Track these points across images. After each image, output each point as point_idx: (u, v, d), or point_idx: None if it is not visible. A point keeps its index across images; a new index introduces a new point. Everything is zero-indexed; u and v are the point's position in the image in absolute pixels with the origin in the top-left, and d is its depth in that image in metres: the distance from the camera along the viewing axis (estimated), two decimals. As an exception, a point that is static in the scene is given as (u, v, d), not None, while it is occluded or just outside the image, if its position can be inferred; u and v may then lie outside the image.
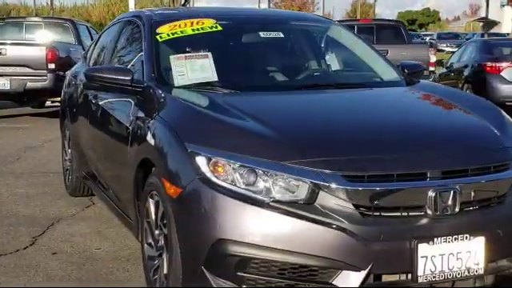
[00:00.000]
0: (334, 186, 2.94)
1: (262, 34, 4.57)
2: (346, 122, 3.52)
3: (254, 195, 2.97)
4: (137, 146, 3.79)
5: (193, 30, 4.44)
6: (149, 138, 3.61)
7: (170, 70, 4.14)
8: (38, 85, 11.78)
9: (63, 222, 5.37)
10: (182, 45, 4.38)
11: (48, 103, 13.14)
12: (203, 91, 3.92)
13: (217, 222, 2.98)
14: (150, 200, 3.60)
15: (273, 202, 2.96)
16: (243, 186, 3.02)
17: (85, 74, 4.26)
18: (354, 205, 2.95)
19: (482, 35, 36.90)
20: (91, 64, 5.79)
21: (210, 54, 4.22)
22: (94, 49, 5.97)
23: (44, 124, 11.95)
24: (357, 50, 4.82)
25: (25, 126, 11.53)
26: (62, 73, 11.69)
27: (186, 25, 4.42)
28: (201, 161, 3.11)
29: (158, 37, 4.39)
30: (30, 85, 11.78)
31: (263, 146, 3.11)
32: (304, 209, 2.93)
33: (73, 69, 6.48)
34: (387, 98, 4.09)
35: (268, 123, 3.31)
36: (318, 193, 2.94)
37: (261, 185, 2.99)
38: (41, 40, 12.89)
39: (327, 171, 2.96)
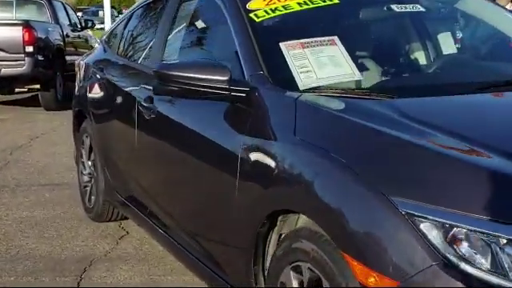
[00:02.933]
0: None
1: (396, 8, 3.23)
2: None
3: None
4: (260, 187, 2.47)
5: (299, 3, 3.10)
6: (287, 176, 2.31)
7: (283, 64, 2.80)
8: (15, 71, 10.24)
9: (99, 266, 4.01)
10: (289, 26, 3.06)
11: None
12: (345, 97, 2.61)
13: None
14: (293, 274, 2.31)
15: None
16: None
17: (157, 72, 2.89)
18: None
19: None
20: (123, 54, 4.40)
21: (336, 39, 2.90)
22: (124, 33, 4.56)
23: (23, 115, 10.44)
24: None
25: (1, 118, 9.99)
26: (40, 57, 10.20)
27: (286, -4, 3.10)
28: (433, 232, 1.82)
29: (252, 15, 3.05)
30: (4, 71, 10.23)
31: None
32: None
33: (90, 57, 5.06)
34: None
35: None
36: None
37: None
38: (13, 19, 11.29)
39: None
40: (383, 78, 2.95)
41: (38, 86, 10.72)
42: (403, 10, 3.23)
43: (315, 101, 2.54)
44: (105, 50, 4.82)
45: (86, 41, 13.32)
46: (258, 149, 2.53)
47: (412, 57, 3.20)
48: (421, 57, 3.19)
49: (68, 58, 11.74)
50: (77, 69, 5.29)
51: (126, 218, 4.71)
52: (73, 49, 12.20)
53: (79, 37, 12.89)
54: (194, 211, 3.17)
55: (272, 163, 2.41)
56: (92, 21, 13.99)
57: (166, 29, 3.73)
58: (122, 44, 4.50)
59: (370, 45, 3.18)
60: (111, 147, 4.26)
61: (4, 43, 10.16)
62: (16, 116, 10.36)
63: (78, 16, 13.62)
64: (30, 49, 10.20)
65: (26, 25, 10.28)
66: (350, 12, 3.26)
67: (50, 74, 10.68)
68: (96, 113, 4.46)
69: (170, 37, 3.69)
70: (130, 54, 4.30)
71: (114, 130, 4.15)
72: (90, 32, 13.83)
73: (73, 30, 12.54)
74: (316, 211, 2.17)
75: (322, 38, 2.90)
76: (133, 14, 4.54)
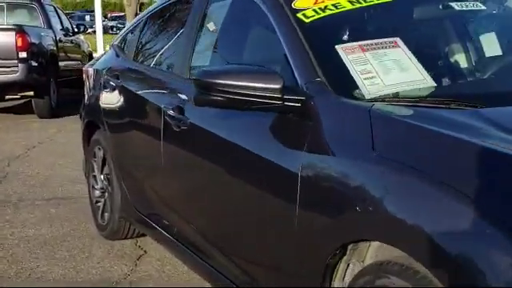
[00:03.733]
0: None
1: (456, 6, 2.92)
2: None
3: None
4: (329, 214, 2.14)
5: (351, 1, 2.79)
6: (367, 200, 1.98)
7: (342, 69, 2.49)
8: (8, 78, 9.85)
9: (120, 291, 3.68)
10: (342, 27, 2.73)
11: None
12: (421, 106, 2.30)
13: None
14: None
15: None
16: None
17: (198, 80, 2.56)
18: None
19: None
20: (141, 60, 4.06)
21: (399, 41, 2.59)
22: (141, 37, 4.22)
23: (16, 123, 10.07)
24: None
25: (-7, 128, 9.62)
26: (34, 63, 9.83)
27: (335, -6, 2.78)
28: None
29: (300, 16, 2.73)
30: (-3, 78, 9.83)
31: None
32: None
33: (99, 64, 4.72)
34: None
35: None
36: None
37: None
38: (5, 24, 10.90)
39: None
40: (457, 84, 2.64)
41: (31, 93, 10.31)
42: (463, 9, 2.92)
43: (392, 111, 2.22)
44: (117, 56, 4.48)
45: (79, 46, 12.95)
46: (323, 168, 2.20)
47: (486, 60, 2.88)
48: (498, 60, 2.87)
49: (61, 63, 11.38)
50: (84, 76, 4.94)
51: (143, 236, 4.39)
52: (66, 54, 11.83)
53: (72, 42, 12.52)
54: (237, 235, 2.83)
55: (345, 185, 2.10)
56: (84, 25, 13.65)
57: (193, 32, 3.40)
58: (139, 49, 4.16)
59: (435, 47, 2.87)
60: (130, 160, 3.93)
61: (-4, 49, 9.79)
62: (9, 124, 9.98)
63: (70, 20, 13.23)
64: (23, 55, 9.82)
65: (19, 30, 9.91)
66: (406, 10, 2.94)
67: (43, 80, 10.30)
68: (112, 123, 4.12)
69: (198, 40, 3.37)
70: (149, 60, 3.97)
71: (135, 142, 3.81)
72: (82, 37, 13.46)
73: (65, 35, 12.17)
74: (408, 241, 1.85)
75: (383, 40, 2.59)
76: (150, 16, 4.20)
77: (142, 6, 27.43)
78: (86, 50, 13.36)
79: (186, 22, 3.60)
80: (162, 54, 3.82)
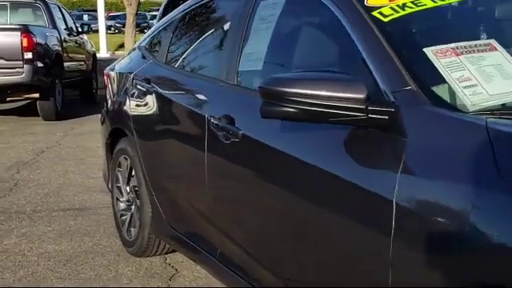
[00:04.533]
0: None
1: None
2: None
3: None
4: (439, 251, 1.81)
5: (433, -1, 2.46)
6: (496, 242, 1.65)
7: (435, 76, 2.16)
8: (12, 79, 9.49)
9: (156, 317, 3.35)
10: (426, 27, 2.42)
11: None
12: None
13: None
14: None
15: None
16: None
17: (265, 89, 2.23)
18: None
19: None
20: (175, 63, 3.72)
21: (495, 42, 2.26)
22: (173, 39, 3.87)
23: (21, 126, 9.74)
24: None
25: (-1, 130, 9.28)
26: (40, 64, 9.48)
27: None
28: None
29: (377, 14, 2.40)
30: (1, 80, 9.47)
31: None
32: None
33: (124, 66, 4.36)
34: None
35: None
36: None
37: None
38: (10, 24, 10.54)
39: None
40: None
41: (36, 95, 9.95)
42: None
43: (512, 127, 1.89)
44: (144, 57, 4.13)
45: (83, 46, 12.59)
46: (428, 195, 1.87)
47: None
48: None
49: (66, 64, 11.02)
50: (106, 79, 4.60)
51: (172, 252, 4.07)
52: (70, 54, 11.48)
53: (76, 42, 12.16)
54: (297, 262, 2.50)
55: (463, 218, 1.75)
56: (89, 25, 13.29)
57: (239, 33, 3.06)
58: (171, 52, 3.81)
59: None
60: (165, 173, 3.59)
61: (0, 50, 9.43)
62: (14, 127, 9.64)
63: (73, 20, 12.86)
64: (28, 55, 9.48)
65: (25, 30, 9.56)
66: (493, 8, 2.61)
67: (49, 81, 9.96)
68: (143, 132, 3.78)
69: (245, 43, 3.03)
70: (185, 64, 3.62)
71: (171, 153, 3.48)
72: (85, 37, 13.09)
73: (69, 35, 11.80)
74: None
75: (478, 42, 2.26)
76: (183, 16, 3.85)
77: (139, 5, 27.04)
78: (90, 50, 13.00)
79: (228, 22, 3.27)
80: (199, 58, 3.49)
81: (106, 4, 63.30)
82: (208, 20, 3.62)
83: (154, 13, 50.96)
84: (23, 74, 9.46)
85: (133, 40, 27.12)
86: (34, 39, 9.57)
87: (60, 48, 10.79)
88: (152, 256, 4.09)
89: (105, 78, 4.68)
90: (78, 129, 9.52)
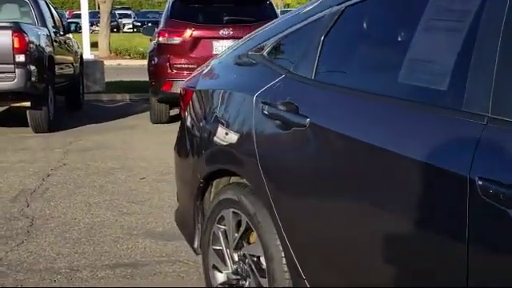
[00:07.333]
0: None
1: None
2: None
3: None
4: None
5: None
6: None
7: None
8: (4, 85, 8.11)
9: None
10: None
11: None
12: None
13: None
14: None
15: None
16: None
17: None
18: None
19: None
20: (339, 81, 2.49)
21: None
22: (326, 42, 2.57)
23: (10, 139, 8.39)
24: None
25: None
26: (33, 67, 8.14)
27: None
28: None
29: None
30: (-10, 86, 8.09)
31: None
32: None
33: (227, 82, 3.11)
34: None
35: None
36: None
37: None
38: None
39: None
40: None
41: (27, 104, 8.56)
42: None
43: None
44: (269, 71, 2.86)
45: (71, 47, 11.19)
46: None
47: None
48: None
49: (56, 67, 9.63)
50: (186, 98, 3.35)
51: None
52: (61, 57, 10.09)
53: (65, 42, 10.77)
54: None
55: None
56: (77, 23, 11.85)
57: (488, 46, 1.87)
58: (326, 63, 2.57)
59: None
60: (331, 246, 2.36)
61: (-11, 51, 8.05)
62: (1, 140, 8.25)
63: (61, 17, 11.44)
64: (21, 58, 8.10)
65: (16, 28, 8.17)
66: None
67: (42, 88, 8.58)
68: (287, 184, 2.54)
69: (500, 59, 1.84)
70: (363, 83, 2.38)
71: (349, 220, 2.24)
72: (71, 36, 11.65)
73: (55, 33, 10.36)
74: None
75: None
76: (342, 13, 2.57)
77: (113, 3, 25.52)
78: (77, 52, 11.62)
79: (455, 22, 2.07)
80: (398, 76, 2.23)
81: (66, 2, 61.50)
82: (405, 13, 2.37)
83: (120, 11, 49.40)
84: (15, 80, 8.08)
85: (107, 40, 25.69)
86: (27, 39, 8.20)
87: (52, 49, 9.42)
88: None
89: (182, 95, 3.43)
90: (78, 143, 8.19)
